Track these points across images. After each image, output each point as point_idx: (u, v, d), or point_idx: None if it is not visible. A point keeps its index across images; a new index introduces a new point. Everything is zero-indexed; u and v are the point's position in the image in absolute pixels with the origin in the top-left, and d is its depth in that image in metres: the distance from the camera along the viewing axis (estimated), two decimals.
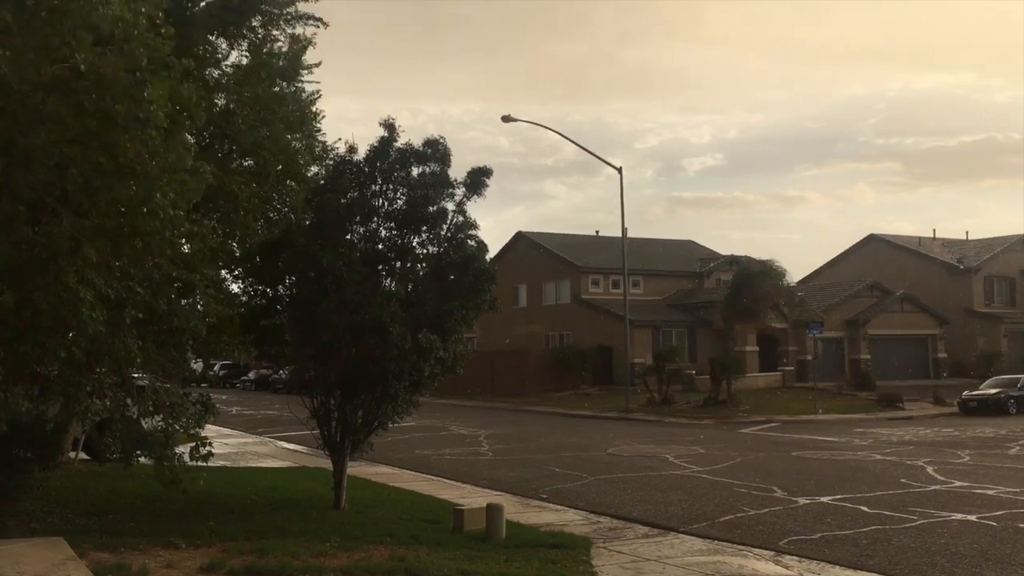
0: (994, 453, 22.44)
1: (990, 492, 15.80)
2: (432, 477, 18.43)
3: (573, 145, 37.57)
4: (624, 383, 39.09)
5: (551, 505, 14.98)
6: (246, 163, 14.23)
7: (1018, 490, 15.95)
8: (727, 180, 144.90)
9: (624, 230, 39.70)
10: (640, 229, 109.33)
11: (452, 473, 18.92)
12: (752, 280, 39.66)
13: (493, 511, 11.40)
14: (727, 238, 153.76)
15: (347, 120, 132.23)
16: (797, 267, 64.00)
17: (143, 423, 9.93)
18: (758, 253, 66.93)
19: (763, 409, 35.52)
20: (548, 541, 11.26)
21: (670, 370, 39.16)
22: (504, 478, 18.11)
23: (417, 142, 13.03)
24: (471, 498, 14.85)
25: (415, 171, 13.02)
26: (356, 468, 15.55)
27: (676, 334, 47.24)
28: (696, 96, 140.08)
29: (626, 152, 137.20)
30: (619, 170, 38.59)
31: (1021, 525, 12.68)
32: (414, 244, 13.00)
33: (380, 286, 12.65)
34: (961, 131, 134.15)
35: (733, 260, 52.89)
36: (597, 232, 56.46)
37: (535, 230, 56.12)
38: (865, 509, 14.13)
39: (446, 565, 9.39)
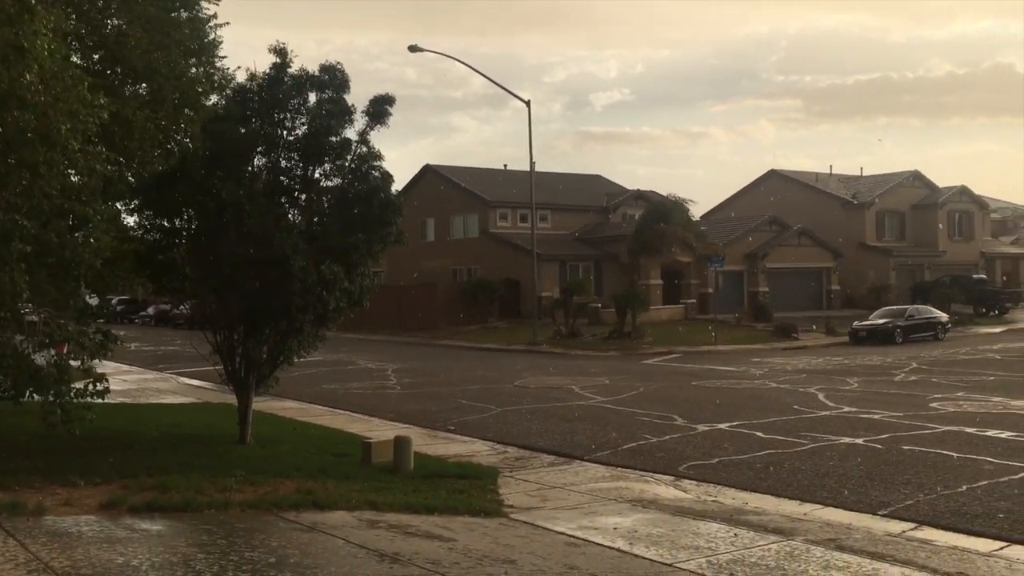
0: (881, 380, 23.57)
1: (876, 416, 16.62)
2: (340, 411, 18.38)
3: (482, 78, 37.29)
4: (532, 316, 39.53)
5: (459, 437, 15.16)
6: (140, 89, 13.58)
7: (901, 414, 16.83)
8: (634, 115, 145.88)
9: (532, 164, 39.75)
10: (548, 163, 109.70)
11: (360, 407, 18.91)
12: (661, 216, 40.31)
13: (401, 443, 11.47)
14: (634, 173, 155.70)
15: (252, 49, 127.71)
16: (701, 202, 65.37)
17: (35, 358, 9.57)
18: (664, 188, 68.07)
19: (666, 341, 36.43)
20: (455, 471, 11.41)
21: (577, 303, 39.75)
22: (412, 411, 18.20)
23: (313, 68, 12.67)
24: (379, 431, 14.89)
25: (312, 98, 12.67)
26: (262, 403, 15.38)
27: (583, 268, 47.84)
28: (604, 31, 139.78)
29: (535, 86, 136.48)
30: (527, 103, 38.45)
31: (904, 447, 13.41)
32: (317, 175, 12.71)
33: (283, 219, 12.37)
34: (858, 70, 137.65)
35: (640, 195, 53.64)
36: (505, 166, 56.41)
37: (444, 163, 55.67)
38: (760, 435, 14.72)
39: (354, 497, 9.43)
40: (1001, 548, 8.28)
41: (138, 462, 10.63)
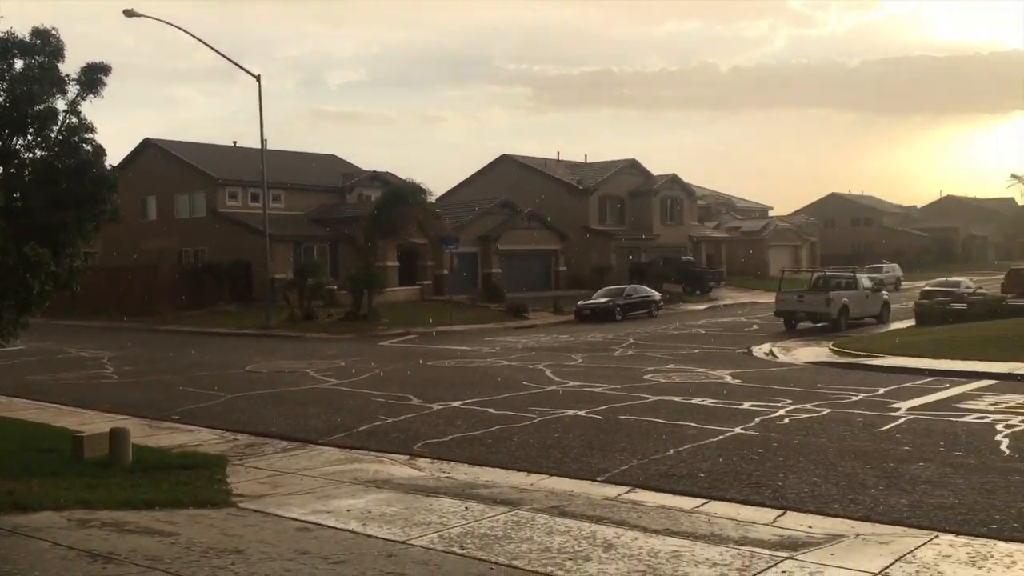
0: (602, 355, 25.14)
1: (597, 390, 17.70)
2: (49, 404, 16.86)
3: (210, 50, 35.28)
4: (264, 299, 38.31)
5: (184, 426, 14.41)
6: None
7: (619, 386, 18.05)
8: (370, 96, 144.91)
9: (264, 141, 38.32)
10: (282, 142, 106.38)
11: (72, 399, 17.46)
12: (398, 198, 40.35)
13: (117, 435, 10.71)
14: (370, 154, 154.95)
15: None
16: (437, 184, 66.31)
17: None
18: (401, 170, 68.11)
19: (402, 322, 36.67)
20: (179, 462, 10.85)
21: (311, 285, 39.01)
22: (132, 401, 17.07)
23: (22, 31, 11.47)
24: (94, 424, 13.84)
25: (19, 64, 11.48)
26: None
27: (318, 249, 46.96)
28: (338, 8, 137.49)
29: (267, 61, 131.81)
30: (257, 78, 37.02)
31: (621, 417, 14.39)
32: (18, 147, 11.53)
33: None
34: (583, 61, 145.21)
35: (376, 176, 53.41)
36: (235, 143, 53.88)
37: (167, 138, 52.35)
38: (491, 411, 15.22)
39: (63, 495, 8.71)
40: (702, 504, 9.12)
41: None
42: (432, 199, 44.64)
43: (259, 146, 38.56)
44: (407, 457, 11.88)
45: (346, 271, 43.32)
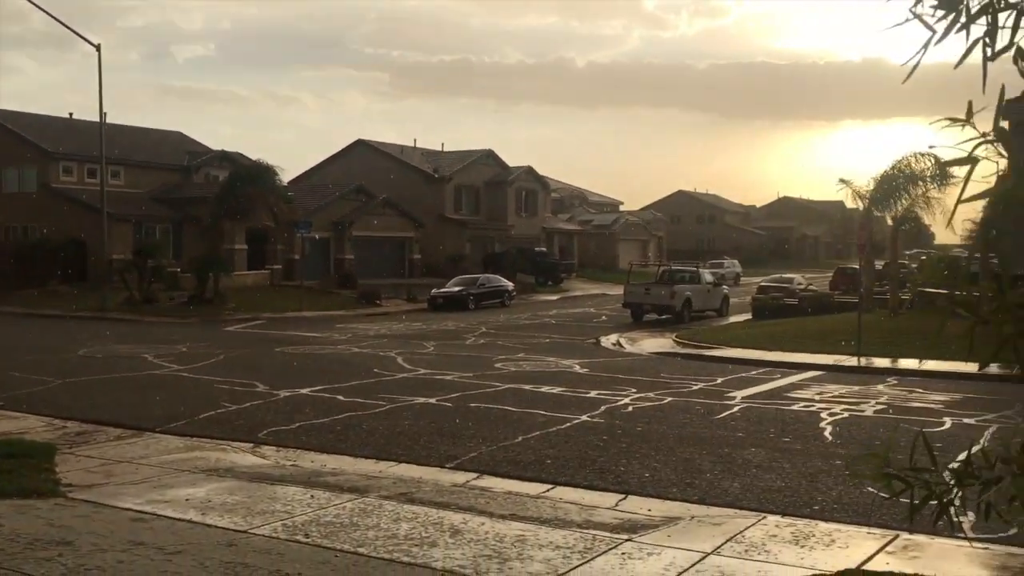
0: (454, 343, 25.23)
1: (448, 377, 17.76)
2: None
3: (43, 13, 33.10)
4: (101, 281, 36.38)
5: (8, 412, 13.53)
6: None
7: (471, 374, 18.16)
8: (220, 73, 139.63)
9: (103, 115, 36.36)
10: (124, 116, 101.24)
11: None
12: (248, 179, 39.11)
13: None
14: (218, 133, 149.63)
15: None
16: (289, 167, 64.64)
17: None
18: (252, 151, 66.18)
19: (250, 307, 35.63)
20: (2, 451, 10.15)
21: (152, 267, 37.35)
22: None
23: None
24: None
25: None
26: None
27: (160, 230, 44.92)
28: None
29: (108, 30, 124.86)
30: (97, 47, 35.15)
31: (472, 404, 14.49)
32: None
33: None
34: (442, 50, 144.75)
35: (224, 156, 51.56)
36: (71, 115, 50.84)
37: None
38: (341, 398, 15.02)
39: None
40: (548, 490, 9.31)
41: None
42: (284, 182, 43.55)
43: (97, 119, 36.54)
44: (251, 445, 11.57)
45: (191, 253, 41.68)
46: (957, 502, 3.59)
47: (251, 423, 12.94)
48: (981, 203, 4.07)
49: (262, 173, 39.70)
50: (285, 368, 19.14)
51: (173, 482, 9.22)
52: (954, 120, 3.38)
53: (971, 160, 3.34)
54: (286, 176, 46.50)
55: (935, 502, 3.57)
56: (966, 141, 3.35)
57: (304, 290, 38.27)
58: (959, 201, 3.40)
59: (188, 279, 38.49)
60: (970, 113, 3.35)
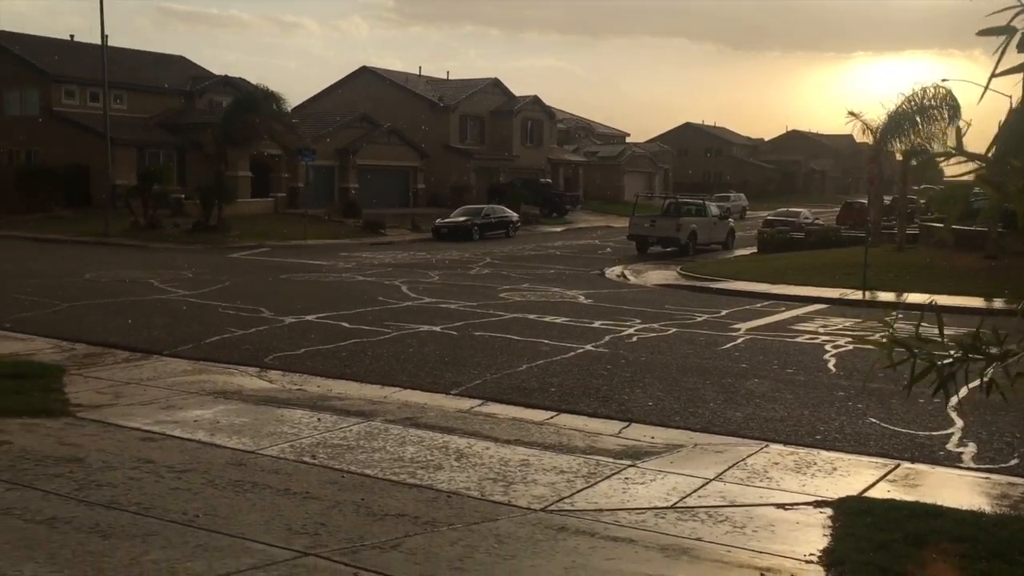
0: (459, 273, 25.24)
1: (453, 306, 17.79)
2: None
3: None
4: (105, 206, 36.27)
5: (16, 334, 13.61)
6: None
7: (475, 304, 18.20)
8: None
9: (104, 36, 35.78)
10: (126, 40, 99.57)
11: None
12: (251, 105, 38.65)
13: None
14: (222, 59, 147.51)
15: None
16: (293, 94, 63.95)
17: None
18: (255, 77, 65.42)
19: (255, 235, 35.61)
20: (10, 371, 10.26)
21: (156, 193, 37.17)
22: None
23: None
24: None
25: None
26: None
27: (164, 155, 44.58)
28: None
29: None
30: None
31: (476, 333, 14.53)
32: None
33: None
34: None
35: (228, 81, 50.94)
36: (72, 37, 50.15)
37: None
38: (346, 325, 15.07)
39: None
40: (552, 417, 9.38)
41: None
42: (288, 108, 43.05)
43: (99, 42, 36.00)
44: (258, 369, 11.65)
45: (195, 180, 41.45)
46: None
47: (257, 348, 13.00)
48: (989, 135, 4.00)
49: (266, 99, 39.21)
50: (290, 295, 19.18)
51: (181, 404, 9.31)
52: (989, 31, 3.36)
53: (1008, 30, 3.31)
54: (289, 103, 45.98)
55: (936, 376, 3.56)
56: (1005, 9, 3.39)
57: (308, 218, 38.15)
58: (993, 75, 3.37)
59: (193, 206, 38.37)
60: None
